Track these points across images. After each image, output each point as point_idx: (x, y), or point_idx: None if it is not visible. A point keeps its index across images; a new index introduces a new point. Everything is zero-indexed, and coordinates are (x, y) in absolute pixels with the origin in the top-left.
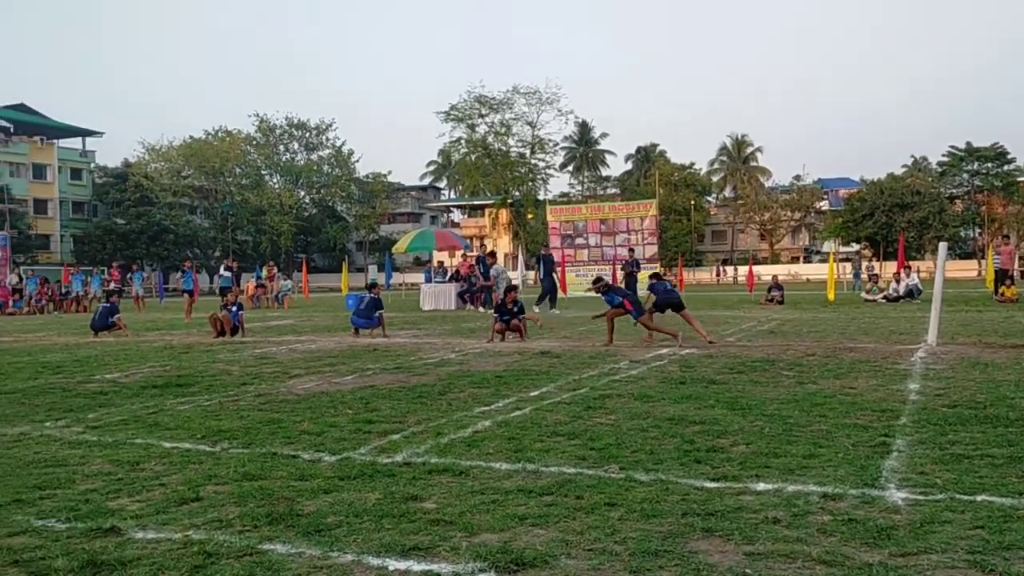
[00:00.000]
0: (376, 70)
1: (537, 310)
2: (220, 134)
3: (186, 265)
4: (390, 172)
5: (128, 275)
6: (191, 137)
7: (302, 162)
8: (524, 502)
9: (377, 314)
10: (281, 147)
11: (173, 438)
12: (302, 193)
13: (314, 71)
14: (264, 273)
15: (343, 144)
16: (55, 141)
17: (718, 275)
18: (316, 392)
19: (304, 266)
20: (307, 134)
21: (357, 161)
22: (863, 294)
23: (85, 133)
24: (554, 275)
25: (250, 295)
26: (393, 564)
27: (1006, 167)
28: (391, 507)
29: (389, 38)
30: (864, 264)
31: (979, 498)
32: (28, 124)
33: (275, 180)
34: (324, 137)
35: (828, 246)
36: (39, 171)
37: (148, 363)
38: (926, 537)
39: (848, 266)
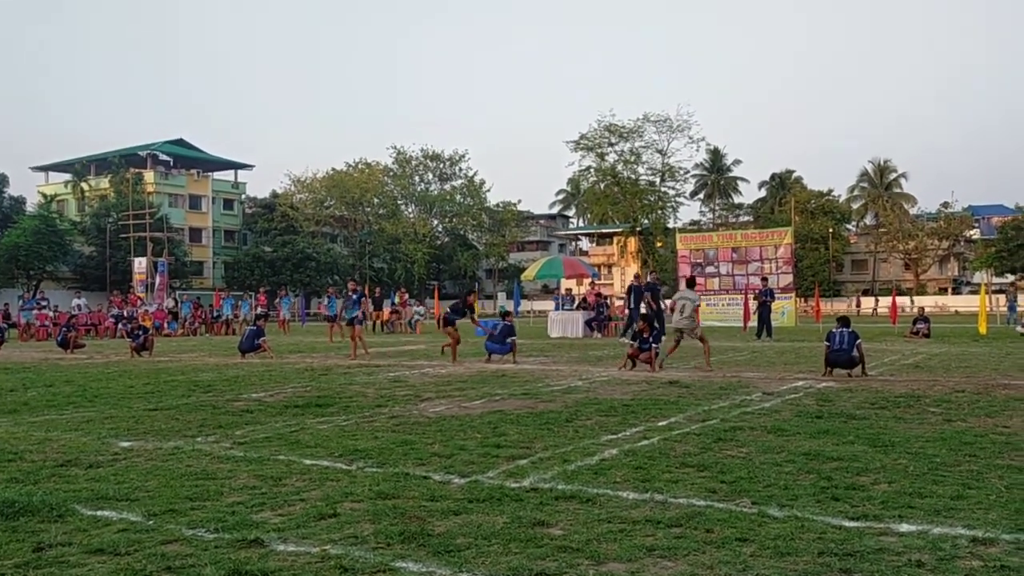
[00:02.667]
0: (508, 100)
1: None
2: (360, 166)
3: (329, 291)
4: (520, 201)
5: (276, 300)
6: (333, 169)
7: (436, 192)
8: (652, 532)
9: (510, 340)
10: (416, 178)
11: (313, 455)
12: (435, 222)
13: (449, 102)
14: (397, 299)
15: (475, 174)
16: (210, 174)
17: (858, 305)
18: (446, 415)
19: (436, 293)
20: (441, 165)
21: (488, 190)
22: (1019, 328)
23: (237, 166)
24: (651, 305)
25: (385, 320)
26: None
27: None
28: (518, 531)
29: (520, 67)
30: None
31: None
32: (186, 158)
33: (410, 209)
34: (457, 167)
35: (979, 277)
36: (195, 202)
37: (291, 384)
38: None
39: (1002, 298)
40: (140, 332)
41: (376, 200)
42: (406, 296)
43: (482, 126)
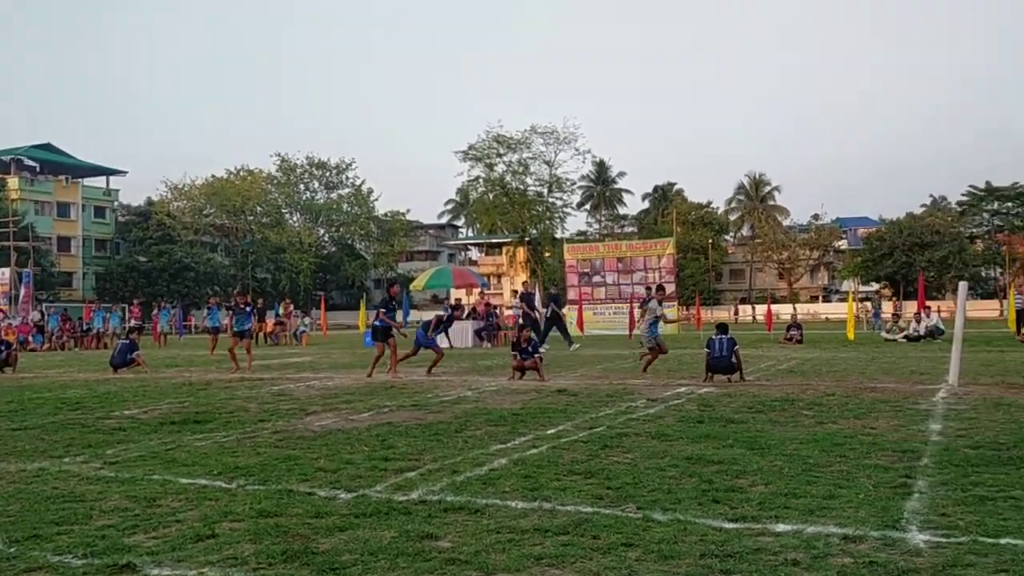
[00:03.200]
0: (396, 109)
1: (576, 346)
2: (242, 173)
3: (211, 302)
4: (408, 210)
5: (154, 312)
6: (213, 176)
7: (322, 201)
8: (540, 541)
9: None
10: (302, 186)
11: (190, 474)
12: (321, 231)
13: (334, 111)
14: (281, 310)
15: (363, 183)
16: (80, 180)
17: (736, 314)
18: (333, 429)
19: (323, 303)
20: (327, 173)
21: (376, 199)
22: (883, 334)
23: (109, 172)
24: (551, 311)
25: (269, 332)
26: None
27: None
28: (406, 545)
29: (408, 78)
30: (870, 304)
31: (1003, 541)
32: (54, 163)
33: (295, 218)
34: (344, 176)
35: (847, 285)
36: (63, 209)
37: (167, 399)
38: None
39: (868, 305)
40: (3, 347)
41: (259, 208)
42: (291, 307)
43: (370, 135)
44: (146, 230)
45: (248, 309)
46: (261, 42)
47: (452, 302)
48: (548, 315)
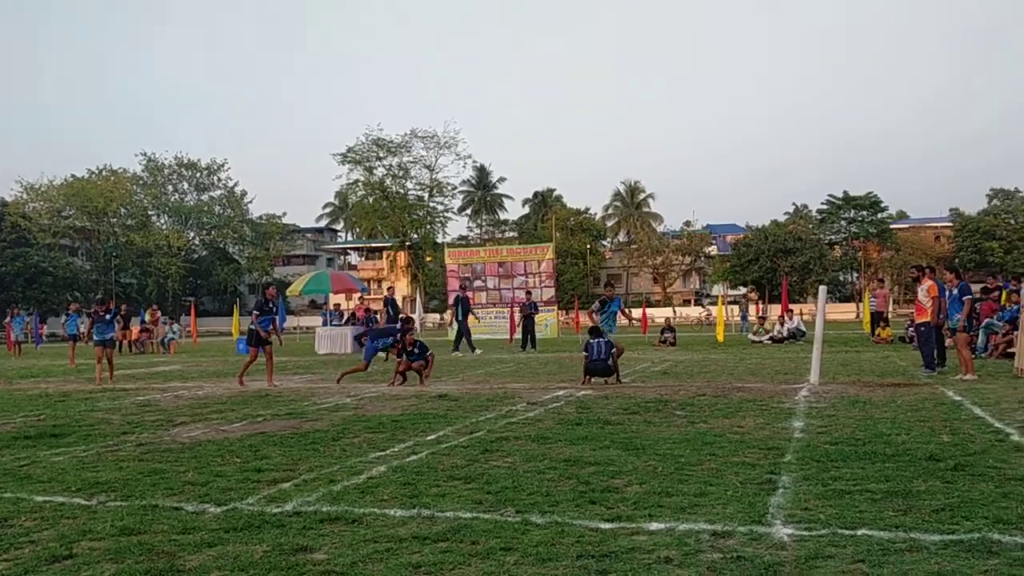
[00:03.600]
0: (272, 110)
1: (458, 354)
2: (105, 173)
3: (71, 308)
4: (285, 214)
5: (7, 319)
6: (73, 176)
7: (192, 203)
8: (418, 549)
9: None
10: (170, 187)
11: (46, 491)
12: (191, 235)
13: (207, 110)
14: (148, 317)
15: (235, 185)
16: None
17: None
18: (202, 440)
19: (192, 310)
20: (198, 174)
21: (250, 202)
22: (750, 336)
23: None
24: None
25: (135, 339)
26: None
27: (880, 215)
28: (279, 559)
29: (287, 78)
30: (751, 307)
31: (860, 532)
32: None
33: (163, 221)
34: (216, 177)
35: (717, 289)
36: None
37: (21, 412)
38: (811, 572)
39: (736, 308)
40: None
41: (123, 210)
42: (158, 314)
43: (244, 136)
44: None
45: (109, 316)
46: (127, 37)
47: (403, 316)
48: (460, 318)
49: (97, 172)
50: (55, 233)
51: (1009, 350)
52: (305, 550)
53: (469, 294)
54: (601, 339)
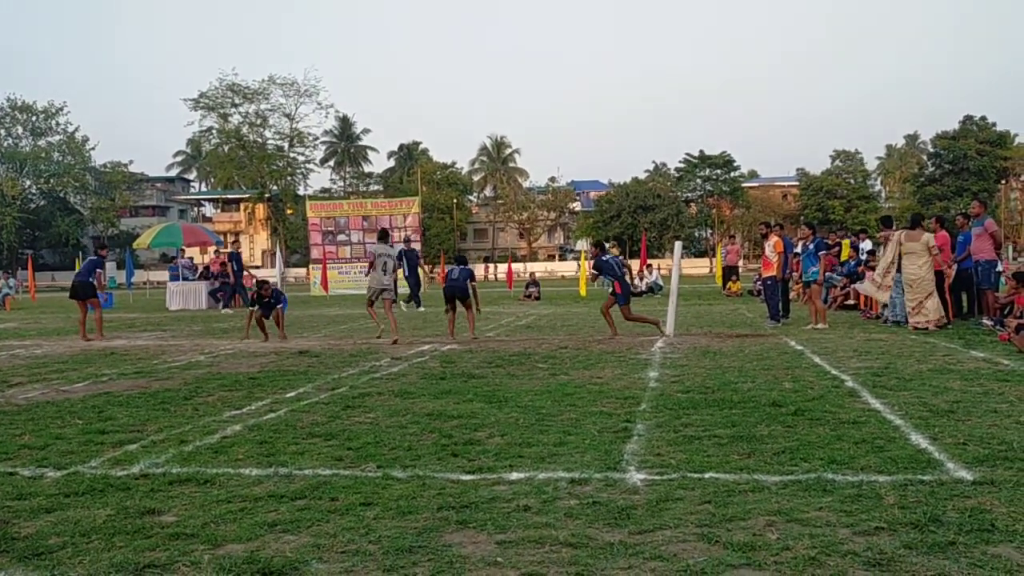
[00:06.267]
0: (116, 52)
1: (405, 309)
2: None
3: None
4: (131, 161)
5: None
6: None
7: (28, 148)
8: (275, 508)
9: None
10: (2, 131)
11: None
12: (28, 183)
13: (44, 50)
14: None
15: (76, 130)
16: None
17: (485, 272)
18: (40, 402)
19: (30, 263)
20: (33, 118)
21: (93, 149)
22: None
23: None
24: (419, 271)
25: None
26: None
27: (732, 174)
28: (124, 523)
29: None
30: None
31: (707, 475)
32: None
33: None
34: (54, 122)
35: (581, 244)
36: None
37: None
38: (661, 514)
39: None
40: None
41: None
42: None
43: (85, 76)
44: None
45: None
46: None
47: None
48: (407, 274)
49: None
50: None
51: (847, 302)
52: (153, 512)
53: (415, 246)
54: (462, 266)
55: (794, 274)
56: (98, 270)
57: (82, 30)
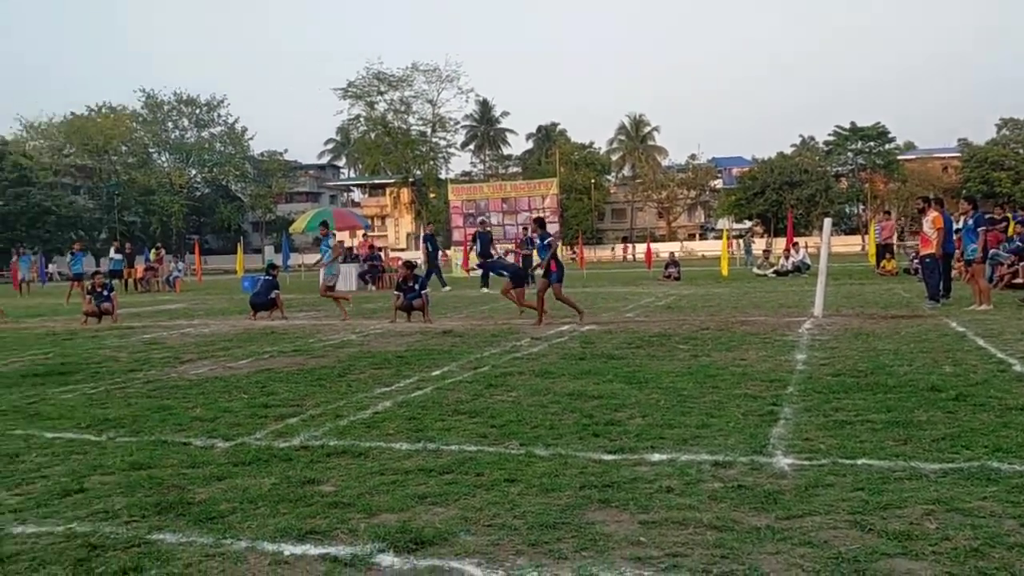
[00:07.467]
0: (271, 44)
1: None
2: (104, 110)
3: (75, 247)
4: (286, 150)
5: (12, 259)
6: (72, 113)
7: (192, 140)
8: (424, 481)
9: (273, 294)
10: (170, 124)
11: (56, 428)
12: (193, 172)
13: (205, 46)
14: (152, 255)
15: (236, 121)
16: None
17: (624, 253)
18: (209, 377)
19: (196, 248)
20: (197, 110)
21: (251, 139)
22: (755, 269)
23: None
24: (492, 252)
25: (139, 278)
26: (289, 549)
27: (887, 146)
28: (287, 491)
29: (283, 11)
30: (757, 241)
31: (860, 462)
32: None
33: (164, 158)
34: (216, 114)
35: (722, 223)
36: None
37: (29, 351)
38: (810, 500)
39: (741, 242)
40: None
41: (124, 148)
42: (163, 252)
43: (244, 71)
44: (0, 171)
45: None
46: None
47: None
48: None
49: (96, 109)
50: (56, 171)
51: (1015, 281)
52: (313, 482)
53: (489, 229)
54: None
55: (956, 251)
56: (275, 291)
57: (244, 28)
